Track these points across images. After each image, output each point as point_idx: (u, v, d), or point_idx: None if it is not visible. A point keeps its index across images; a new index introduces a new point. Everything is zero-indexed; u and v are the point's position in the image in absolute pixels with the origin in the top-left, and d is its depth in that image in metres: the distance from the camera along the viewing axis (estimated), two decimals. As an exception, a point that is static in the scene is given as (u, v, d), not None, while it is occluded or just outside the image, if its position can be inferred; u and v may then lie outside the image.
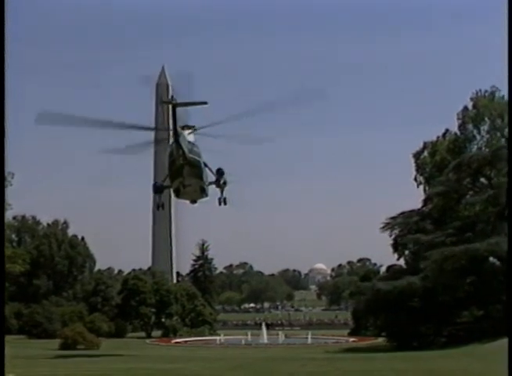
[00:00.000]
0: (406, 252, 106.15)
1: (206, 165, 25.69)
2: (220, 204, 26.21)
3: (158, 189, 25.12)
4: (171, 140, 24.06)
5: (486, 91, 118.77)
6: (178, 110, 23.49)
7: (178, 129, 23.63)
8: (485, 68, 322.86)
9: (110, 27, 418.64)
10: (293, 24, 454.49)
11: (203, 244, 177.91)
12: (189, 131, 24.53)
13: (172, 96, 23.18)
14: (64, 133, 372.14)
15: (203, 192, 25.86)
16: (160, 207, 26.15)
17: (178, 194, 25.43)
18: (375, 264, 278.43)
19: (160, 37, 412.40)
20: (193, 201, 26.65)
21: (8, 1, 27.28)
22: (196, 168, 24.52)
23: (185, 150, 23.70)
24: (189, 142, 24.21)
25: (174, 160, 23.84)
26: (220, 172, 25.78)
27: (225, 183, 26.05)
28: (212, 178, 27.21)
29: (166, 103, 23.26)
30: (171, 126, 23.87)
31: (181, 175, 24.28)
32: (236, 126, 25.48)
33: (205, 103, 23.64)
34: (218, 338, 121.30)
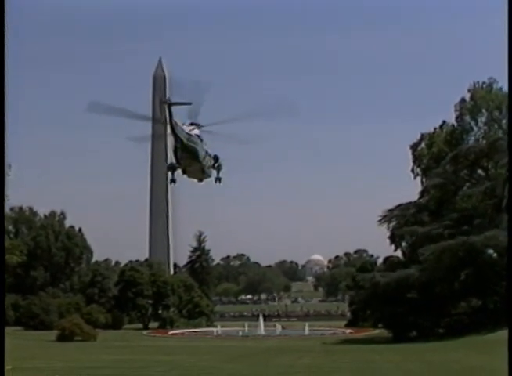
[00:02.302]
0: (403, 244, 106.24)
1: (207, 152, 29.41)
2: (216, 182, 30.70)
3: (170, 168, 29.17)
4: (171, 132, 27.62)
5: (484, 82, 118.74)
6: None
7: (174, 122, 26.81)
8: (483, 60, 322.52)
9: (108, 18, 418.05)
10: (293, 19, 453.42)
11: (200, 236, 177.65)
12: (193, 127, 28.10)
13: (169, 98, 26.79)
14: (61, 124, 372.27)
15: (204, 173, 29.94)
16: (173, 183, 29.80)
17: (184, 173, 29.55)
18: (372, 255, 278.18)
19: (159, 30, 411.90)
20: (200, 180, 30.68)
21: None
22: (193, 154, 28.26)
23: (183, 139, 27.33)
24: (187, 133, 27.60)
25: (176, 147, 27.88)
26: (216, 158, 30.05)
27: (219, 166, 30.36)
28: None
29: (163, 103, 26.82)
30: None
31: (181, 158, 28.40)
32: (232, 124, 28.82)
33: (190, 103, 27.36)
34: (215, 329, 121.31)
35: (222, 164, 30.50)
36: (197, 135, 28.34)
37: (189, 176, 29.92)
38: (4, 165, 29.89)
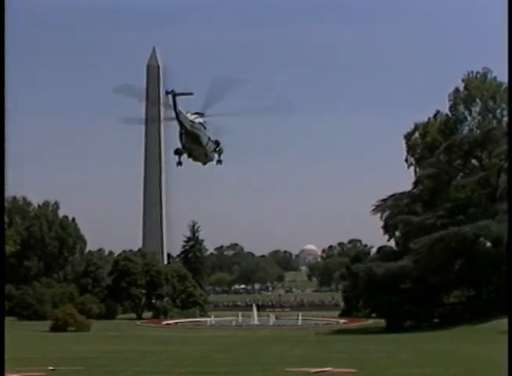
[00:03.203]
0: (397, 233, 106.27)
1: (209, 138, 31.42)
2: (217, 164, 33.00)
3: (177, 152, 31.25)
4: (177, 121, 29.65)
5: (478, 72, 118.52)
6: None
7: (178, 110, 28.59)
8: (478, 49, 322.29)
9: (101, 8, 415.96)
10: (291, 10, 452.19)
11: (193, 226, 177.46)
12: (196, 116, 30.09)
13: (173, 90, 28.16)
14: (54, 114, 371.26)
15: (207, 156, 32.14)
16: (179, 165, 31.99)
17: (189, 157, 31.67)
18: (365, 245, 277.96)
19: (154, 20, 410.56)
20: (204, 163, 32.83)
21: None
22: (196, 139, 30.45)
23: (187, 126, 29.44)
24: (191, 120, 29.65)
25: (181, 133, 30.10)
26: (217, 142, 32.23)
27: (220, 150, 32.63)
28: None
29: (168, 93, 28.21)
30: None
31: (186, 143, 30.65)
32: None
33: (191, 93, 28.85)
34: (208, 319, 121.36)
35: (223, 149, 32.63)
36: (200, 123, 30.19)
37: (194, 160, 31.95)
38: (4, 161, 30.04)
